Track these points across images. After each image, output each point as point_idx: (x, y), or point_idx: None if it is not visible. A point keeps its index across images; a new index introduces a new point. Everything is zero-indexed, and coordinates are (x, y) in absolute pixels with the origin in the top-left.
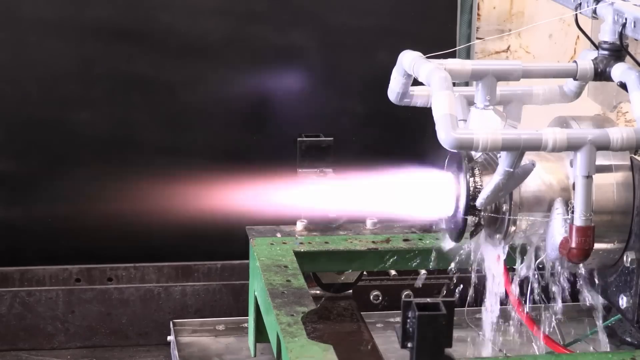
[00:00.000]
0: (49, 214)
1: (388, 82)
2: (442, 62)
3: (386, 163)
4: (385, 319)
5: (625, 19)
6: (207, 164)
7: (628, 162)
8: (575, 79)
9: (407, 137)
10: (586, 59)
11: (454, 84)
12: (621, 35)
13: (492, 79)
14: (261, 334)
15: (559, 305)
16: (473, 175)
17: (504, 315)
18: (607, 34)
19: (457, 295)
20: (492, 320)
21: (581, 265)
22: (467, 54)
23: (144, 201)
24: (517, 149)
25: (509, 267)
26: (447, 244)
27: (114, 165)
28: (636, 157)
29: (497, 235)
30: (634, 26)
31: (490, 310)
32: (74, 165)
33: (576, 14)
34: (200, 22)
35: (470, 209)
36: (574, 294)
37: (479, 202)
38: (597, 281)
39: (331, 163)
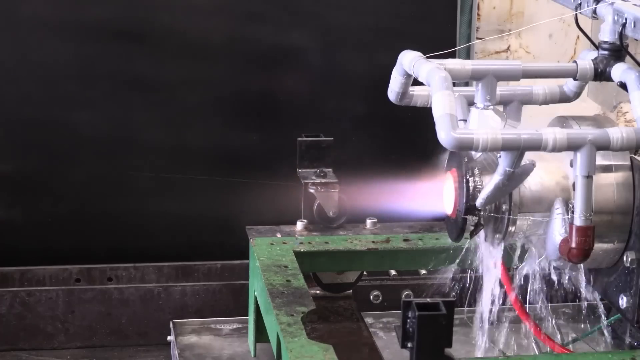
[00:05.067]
0: (49, 214)
1: (388, 82)
2: (442, 62)
3: (386, 163)
4: (385, 319)
5: (625, 19)
6: (207, 163)
7: (628, 162)
8: (575, 79)
9: (407, 137)
10: (586, 59)
11: (454, 84)
12: (621, 35)
13: (492, 79)
14: (261, 334)
15: (558, 305)
16: (473, 175)
17: (504, 315)
18: (607, 34)
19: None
20: (491, 321)
21: (581, 265)
22: (467, 54)
23: (144, 201)
24: (517, 149)
25: (509, 267)
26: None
27: (114, 165)
28: (636, 157)
29: (497, 235)
30: (634, 26)
31: (490, 310)
32: (74, 165)
33: (576, 14)
34: (200, 22)
35: (470, 208)
36: (574, 294)
37: (478, 202)
38: (596, 281)
39: (331, 163)
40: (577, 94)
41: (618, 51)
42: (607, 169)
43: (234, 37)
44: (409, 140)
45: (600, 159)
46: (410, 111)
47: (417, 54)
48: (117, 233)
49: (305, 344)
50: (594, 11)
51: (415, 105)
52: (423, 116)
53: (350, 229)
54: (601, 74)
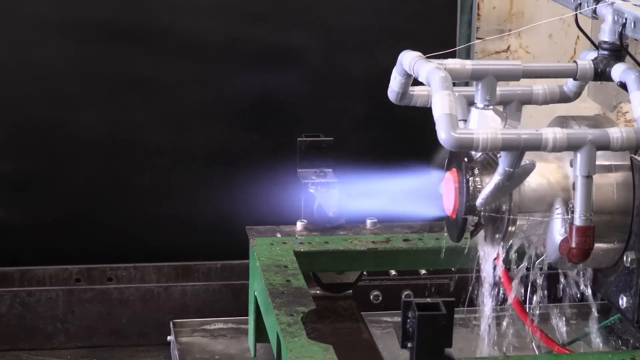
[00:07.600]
0: (49, 214)
1: (388, 82)
2: (442, 62)
3: (386, 163)
4: (385, 319)
5: (625, 19)
6: (207, 163)
7: (628, 162)
8: (575, 79)
9: (407, 137)
10: (586, 59)
11: (454, 84)
12: (621, 35)
13: (492, 79)
14: (261, 334)
15: (559, 304)
16: (473, 175)
17: (504, 316)
18: (607, 34)
19: None
20: (491, 320)
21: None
22: (467, 54)
23: (144, 201)
24: (517, 149)
25: (508, 267)
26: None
27: (114, 165)
28: (636, 157)
29: (497, 235)
30: (634, 26)
31: (489, 310)
32: (74, 165)
33: (576, 14)
34: (200, 22)
35: (470, 208)
36: (574, 294)
37: (478, 202)
38: (596, 281)
39: (331, 163)
40: (577, 94)
41: (618, 51)
42: (607, 169)
43: (234, 37)
44: (409, 140)
45: (600, 159)
46: (410, 111)
47: (417, 54)
48: (117, 233)
49: (305, 344)
50: (594, 11)
51: (415, 105)
52: (423, 116)
53: (350, 229)
54: (601, 74)
